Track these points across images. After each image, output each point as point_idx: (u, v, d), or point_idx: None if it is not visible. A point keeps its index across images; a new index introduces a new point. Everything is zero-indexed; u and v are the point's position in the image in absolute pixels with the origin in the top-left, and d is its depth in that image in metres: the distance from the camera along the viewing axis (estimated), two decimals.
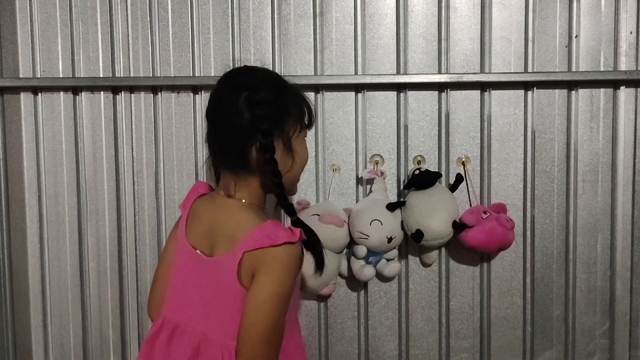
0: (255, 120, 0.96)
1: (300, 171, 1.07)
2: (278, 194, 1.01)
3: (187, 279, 1.07)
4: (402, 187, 1.42)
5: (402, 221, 1.35)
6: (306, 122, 1.05)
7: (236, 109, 0.97)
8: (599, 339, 1.46)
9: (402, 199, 1.38)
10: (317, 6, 1.42)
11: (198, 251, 1.04)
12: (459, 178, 1.39)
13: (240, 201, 1.02)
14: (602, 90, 1.42)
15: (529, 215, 1.44)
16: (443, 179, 1.43)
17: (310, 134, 1.43)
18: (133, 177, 1.49)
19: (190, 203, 1.12)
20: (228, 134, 0.99)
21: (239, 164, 1.00)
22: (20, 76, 1.47)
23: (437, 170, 1.41)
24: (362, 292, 1.48)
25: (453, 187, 1.39)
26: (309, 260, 1.08)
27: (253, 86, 0.98)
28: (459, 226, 1.34)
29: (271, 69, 1.42)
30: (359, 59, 1.43)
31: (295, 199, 1.43)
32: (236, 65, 1.42)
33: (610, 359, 1.47)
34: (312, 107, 1.06)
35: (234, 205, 1.02)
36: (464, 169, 1.41)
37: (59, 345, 1.52)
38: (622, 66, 1.40)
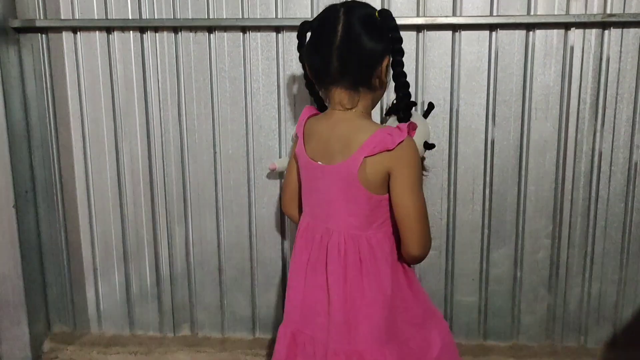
0: (394, 42, 1.17)
1: None
2: (405, 104, 1.24)
3: (313, 187, 1.24)
4: (383, 113, 1.68)
5: None
6: None
7: (375, 34, 1.14)
8: (544, 239, 1.75)
9: (385, 124, 1.64)
10: None
11: (319, 162, 1.21)
12: (431, 106, 1.63)
13: (358, 112, 1.19)
14: (555, 31, 1.61)
15: (489, 137, 1.68)
16: (418, 107, 1.68)
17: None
18: (159, 104, 1.72)
19: (303, 124, 1.29)
20: (360, 56, 1.14)
21: (363, 81, 1.16)
22: (62, 17, 1.68)
23: (413, 99, 1.66)
24: None
25: (425, 114, 1.64)
26: None
27: (386, 15, 1.18)
28: (429, 146, 1.61)
29: (274, 12, 1.66)
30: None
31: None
32: (244, 8, 1.65)
33: (552, 256, 1.75)
34: None
35: (353, 115, 1.18)
36: None
37: (103, 243, 1.83)
38: (573, 10, 1.60)
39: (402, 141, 1.12)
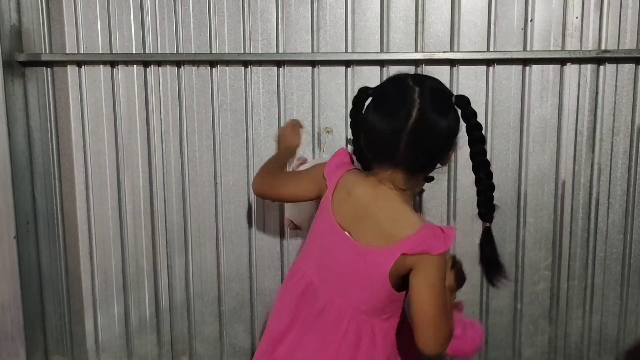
0: (473, 130, 1.07)
1: None
2: (489, 195, 1.10)
3: (329, 248, 1.14)
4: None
5: None
6: None
7: (451, 122, 1.06)
8: (543, 271, 1.76)
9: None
10: None
11: (346, 233, 1.10)
12: (430, 179, 1.63)
13: (406, 194, 1.09)
14: (551, 66, 1.65)
15: None
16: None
17: (307, 101, 1.71)
18: (162, 136, 1.74)
19: (340, 175, 1.15)
20: (433, 145, 1.06)
21: (428, 168, 1.10)
22: (67, 52, 1.71)
23: None
24: None
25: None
26: None
27: (464, 102, 1.07)
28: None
29: (275, 47, 1.69)
30: (349, 39, 1.66)
31: (295, 155, 1.72)
32: (246, 44, 1.68)
33: (552, 288, 1.76)
34: None
35: (398, 197, 1.08)
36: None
37: (103, 273, 1.83)
38: (568, 46, 1.64)
39: (441, 252, 1.04)
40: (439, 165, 1.12)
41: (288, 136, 1.60)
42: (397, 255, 1.05)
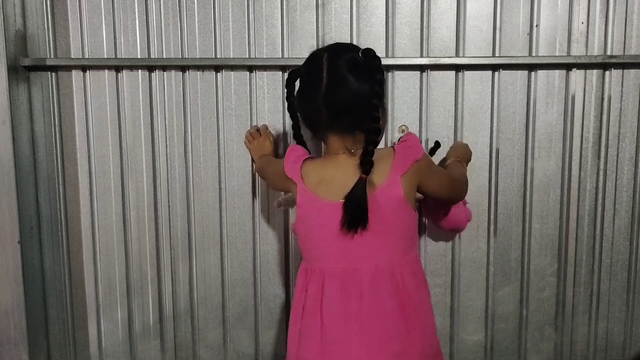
0: (374, 83, 1.13)
1: None
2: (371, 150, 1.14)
3: (336, 229, 1.16)
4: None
5: None
6: None
7: (362, 75, 1.13)
8: (549, 278, 1.75)
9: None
10: None
11: (341, 201, 1.15)
12: (437, 144, 1.66)
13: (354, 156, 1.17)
14: (557, 71, 1.65)
15: (493, 174, 1.70)
16: (422, 145, 1.69)
17: None
18: (166, 141, 1.74)
19: (299, 168, 1.21)
20: (349, 100, 1.13)
21: (357, 124, 1.15)
22: (72, 56, 1.71)
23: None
24: None
25: (431, 152, 1.66)
26: None
27: (369, 54, 1.16)
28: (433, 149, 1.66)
29: (279, 52, 1.69)
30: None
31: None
32: (251, 48, 1.69)
33: (558, 294, 1.75)
34: None
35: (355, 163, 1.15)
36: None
37: (106, 279, 1.82)
38: (574, 51, 1.64)
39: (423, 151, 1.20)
40: (374, 123, 1.14)
41: (262, 147, 1.64)
42: (398, 180, 1.15)
